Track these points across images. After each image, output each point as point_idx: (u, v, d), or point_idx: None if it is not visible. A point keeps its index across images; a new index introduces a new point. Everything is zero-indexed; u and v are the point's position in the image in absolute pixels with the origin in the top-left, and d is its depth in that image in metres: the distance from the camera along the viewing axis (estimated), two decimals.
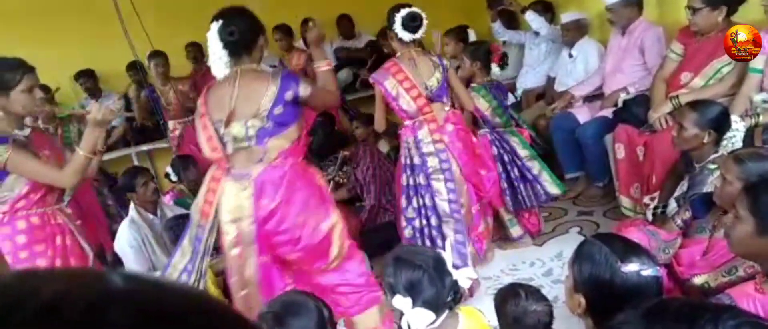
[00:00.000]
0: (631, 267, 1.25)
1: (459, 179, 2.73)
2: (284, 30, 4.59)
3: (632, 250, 1.31)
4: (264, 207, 2.03)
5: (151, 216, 3.15)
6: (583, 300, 1.30)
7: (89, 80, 4.88)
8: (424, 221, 2.74)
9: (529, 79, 4.48)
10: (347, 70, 5.28)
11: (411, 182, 2.76)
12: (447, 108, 2.77)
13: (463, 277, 1.65)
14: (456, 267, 2.69)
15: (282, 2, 4.78)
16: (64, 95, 4.45)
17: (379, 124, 2.90)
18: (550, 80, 4.24)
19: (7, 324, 0.28)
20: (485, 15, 4.72)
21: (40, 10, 4.60)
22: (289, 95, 1.98)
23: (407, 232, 2.80)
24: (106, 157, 4.43)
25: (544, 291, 2.62)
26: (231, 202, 2.05)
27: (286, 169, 2.04)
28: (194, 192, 3.83)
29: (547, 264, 2.96)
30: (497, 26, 4.61)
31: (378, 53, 4.95)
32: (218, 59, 2.00)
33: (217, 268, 2.90)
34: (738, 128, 2.33)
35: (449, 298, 1.61)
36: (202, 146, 2.11)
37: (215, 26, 1.99)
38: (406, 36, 2.64)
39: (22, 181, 2.09)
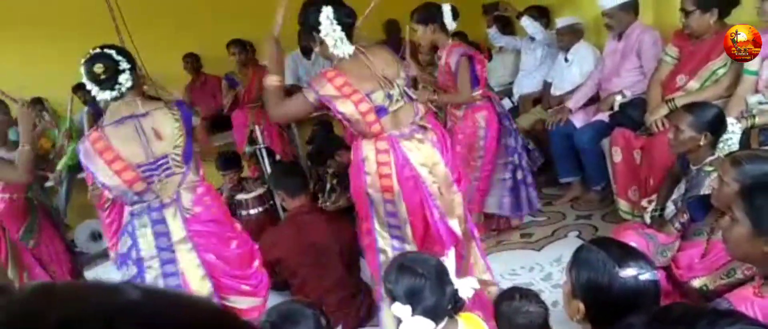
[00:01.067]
0: (628, 272, 1.25)
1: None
2: (240, 45, 4.59)
3: (629, 254, 1.31)
4: (444, 154, 2.22)
5: None
6: (582, 306, 1.30)
7: (88, 93, 4.86)
8: None
9: (525, 85, 4.49)
10: None
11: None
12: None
13: (465, 287, 1.64)
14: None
15: (253, 13, 4.80)
16: (60, 106, 4.46)
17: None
18: (547, 85, 4.25)
19: None
20: (481, 21, 4.74)
21: (40, 23, 4.58)
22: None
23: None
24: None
25: (543, 296, 2.63)
26: (417, 156, 2.16)
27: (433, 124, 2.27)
28: None
29: (545, 269, 2.96)
30: (493, 32, 4.63)
31: None
32: (339, 40, 2.07)
33: None
34: (734, 130, 2.34)
35: (449, 306, 1.61)
36: (354, 122, 2.11)
37: (328, 11, 2.04)
38: (453, 25, 2.96)
39: None
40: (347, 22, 2.08)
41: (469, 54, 3.01)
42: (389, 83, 2.12)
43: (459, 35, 4.82)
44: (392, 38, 5.64)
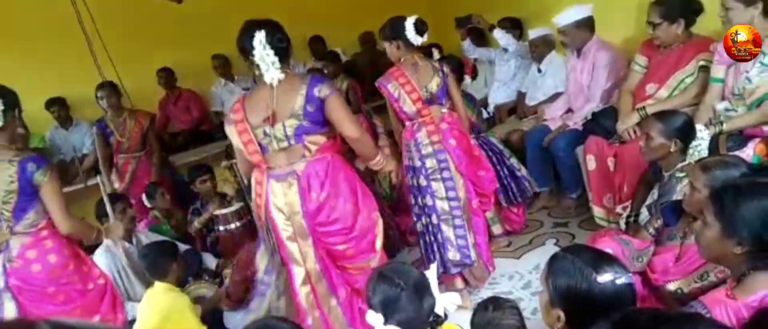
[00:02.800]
0: (605, 277, 1.27)
1: (455, 173, 2.84)
2: (223, 59, 4.59)
3: (604, 259, 1.33)
4: (313, 200, 2.16)
5: (126, 244, 3.09)
6: (562, 314, 1.32)
7: (61, 109, 4.79)
8: (428, 219, 2.86)
9: (500, 95, 4.55)
10: None
11: (414, 183, 2.89)
12: (444, 110, 2.89)
13: (448, 303, 1.64)
14: (463, 263, 2.81)
15: (227, 28, 4.78)
16: (34, 121, 4.35)
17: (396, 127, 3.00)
18: (521, 95, 4.31)
19: None
20: (455, 33, 4.80)
21: (7, 36, 4.47)
22: (316, 92, 2.09)
23: (418, 226, 2.93)
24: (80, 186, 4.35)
25: (522, 304, 2.67)
26: (280, 200, 2.18)
27: (328, 160, 2.18)
28: (167, 217, 3.82)
29: (525, 277, 2.99)
30: (467, 44, 4.69)
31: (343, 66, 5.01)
32: (271, 65, 2.06)
33: (194, 294, 2.86)
34: (703, 136, 2.40)
35: (430, 319, 1.60)
36: (238, 150, 2.22)
37: (260, 35, 2.03)
38: (417, 40, 2.78)
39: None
40: (280, 46, 2.08)
41: (380, 85, 2.86)
42: (272, 123, 2.10)
43: (434, 46, 4.88)
44: (368, 50, 5.67)
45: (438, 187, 2.81)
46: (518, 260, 3.20)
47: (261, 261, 2.37)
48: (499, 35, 4.20)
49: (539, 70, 4.09)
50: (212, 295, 2.92)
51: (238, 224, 3.50)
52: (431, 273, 1.68)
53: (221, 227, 3.54)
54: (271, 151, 2.16)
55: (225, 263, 3.40)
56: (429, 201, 2.82)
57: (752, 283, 1.39)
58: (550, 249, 3.23)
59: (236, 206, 3.55)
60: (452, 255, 2.79)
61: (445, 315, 1.65)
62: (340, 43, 5.58)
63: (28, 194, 2.12)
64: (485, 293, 2.88)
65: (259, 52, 2.04)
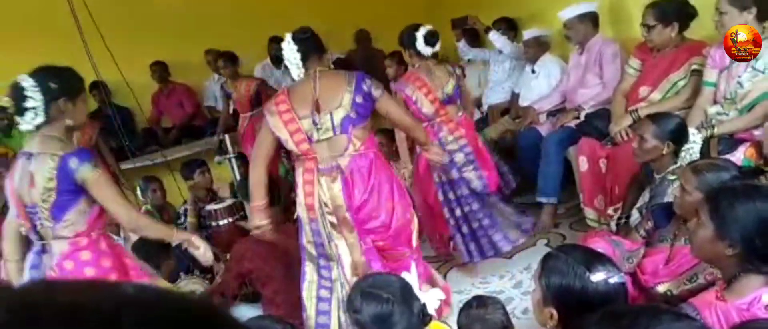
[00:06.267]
0: (598, 276, 1.28)
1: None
2: (229, 57, 4.57)
3: (596, 258, 1.34)
4: (357, 197, 2.22)
5: (114, 237, 3.07)
6: (555, 313, 1.33)
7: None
8: (468, 207, 2.98)
9: (494, 96, 4.57)
10: None
11: (444, 179, 2.98)
12: (460, 113, 3.06)
13: (432, 299, 1.64)
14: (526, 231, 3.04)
15: (249, 24, 4.78)
16: None
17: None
18: (515, 96, 4.33)
19: (29, 325, 0.29)
20: (450, 35, 4.81)
21: (3, 31, 4.41)
22: (365, 87, 2.20)
23: (452, 222, 3.02)
24: None
25: (514, 303, 2.69)
26: (326, 193, 2.20)
27: (371, 158, 2.24)
28: (160, 212, 3.80)
29: (516, 277, 3.00)
30: (462, 45, 4.71)
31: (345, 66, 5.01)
32: (293, 62, 2.19)
33: (185, 290, 2.84)
34: (696, 139, 2.42)
35: (419, 320, 1.60)
36: (284, 141, 2.21)
37: (288, 36, 2.21)
38: (427, 50, 2.94)
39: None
40: (303, 38, 2.21)
41: (397, 90, 2.99)
42: (317, 111, 2.17)
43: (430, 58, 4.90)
44: (363, 48, 5.67)
45: (471, 176, 2.96)
46: (510, 259, 3.22)
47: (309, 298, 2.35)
48: (495, 38, 4.21)
49: (533, 72, 4.11)
50: (203, 291, 2.91)
51: (230, 220, 3.49)
52: (411, 275, 1.69)
53: (212, 224, 3.53)
54: (315, 141, 2.20)
55: (216, 258, 3.39)
56: (465, 191, 2.97)
57: (742, 286, 1.40)
58: (541, 249, 3.24)
59: (229, 202, 3.54)
60: (510, 232, 3.02)
61: (434, 313, 1.65)
62: (335, 40, 5.58)
63: (67, 192, 1.89)
64: (477, 292, 2.89)
65: (286, 50, 2.18)
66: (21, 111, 1.86)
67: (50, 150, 1.87)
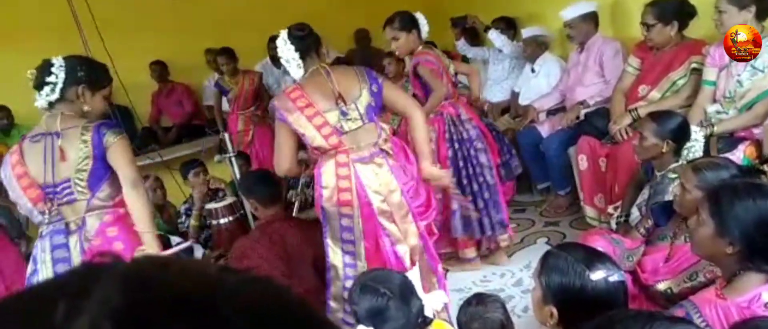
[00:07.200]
0: (598, 274, 1.28)
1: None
2: (229, 53, 4.57)
3: (596, 257, 1.34)
4: (406, 177, 2.23)
5: None
6: (555, 311, 1.33)
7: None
8: (483, 179, 3.00)
9: (494, 94, 4.57)
10: None
11: (459, 155, 2.99)
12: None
13: (434, 301, 1.64)
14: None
15: (248, 23, 4.78)
16: (28, 118, 4.30)
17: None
18: (515, 95, 4.34)
19: (138, 308, 0.30)
20: (449, 33, 4.81)
21: (4, 33, 4.41)
22: (375, 76, 2.23)
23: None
24: None
25: (514, 301, 2.70)
26: (373, 182, 2.15)
27: (398, 143, 2.29)
28: (160, 211, 3.80)
29: (516, 275, 3.01)
30: (461, 44, 4.71)
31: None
32: (292, 60, 2.15)
33: None
34: (697, 138, 2.41)
35: (419, 321, 1.60)
36: (310, 138, 2.15)
37: (283, 34, 2.16)
38: (425, 31, 2.99)
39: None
40: (299, 35, 2.17)
41: (424, 62, 2.97)
42: (344, 102, 2.15)
43: (430, 45, 4.86)
44: (363, 47, 5.67)
45: (480, 149, 3.01)
46: (510, 258, 3.22)
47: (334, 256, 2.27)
48: (495, 37, 4.22)
49: (533, 70, 4.12)
50: None
51: (230, 218, 3.49)
52: (414, 274, 1.68)
53: (213, 222, 3.53)
54: (344, 133, 2.16)
55: (211, 254, 3.39)
56: (478, 169, 3.00)
57: (742, 284, 1.41)
58: (541, 247, 3.25)
59: (229, 200, 3.54)
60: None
61: (433, 316, 1.65)
62: (334, 40, 5.58)
63: (101, 159, 1.98)
64: (476, 291, 2.89)
65: (281, 49, 2.14)
66: (40, 85, 1.95)
67: (80, 124, 1.98)
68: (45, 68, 1.95)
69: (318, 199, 2.24)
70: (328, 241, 2.24)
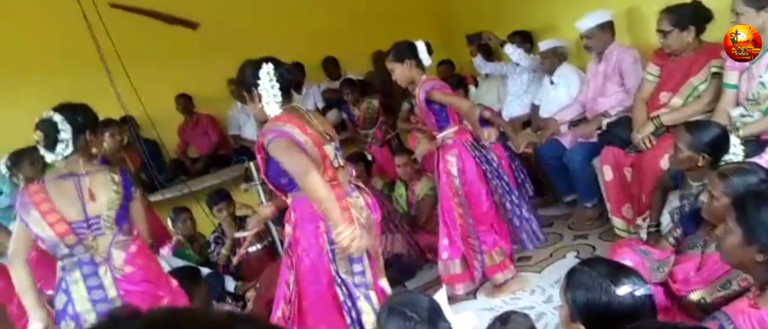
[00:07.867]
0: (624, 289, 1.28)
1: None
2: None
3: (622, 271, 1.34)
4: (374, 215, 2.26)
5: None
6: (582, 328, 1.32)
7: None
8: (510, 196, 3.03)
9: (513, 108, 4.56)
10: (336, 111, 5.35)
11: (488, 177, 2.98)
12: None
13: (463, 324, 1.63)
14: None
15: (268, 50, 4.86)
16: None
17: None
18: (535, 108, 4.33)
19: None
20: (466, 50, 4.84)
21: (27, 67, 4.49)
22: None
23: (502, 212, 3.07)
24: None
25: (545, 319, 2.66)
26: (358, 215, 2.18)
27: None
28: (190, 241, 3.87)
29: (547, 291, 2.97)
30: (478, 60, 4.74)
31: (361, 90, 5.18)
32: (272, 98, 2.10)
33: None
34: (737, 152, 2.29)
35: None
36: (323, 168, 2.11)
37: (267, 68, 2.09)
38: (428, 60, 2.96)
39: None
40: (287, 78, 2.14)
41: (435, 87, 2.92)
42: (332, 138, 2.19)
43: (447, 64, 4.94)
44: (380, 69, 5.73)
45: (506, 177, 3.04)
46: (539, 274, 3.19)
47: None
48: (511, 51, 4.23)
49: (552, 82, 4.11)
50: None
51: (258, 246, 3.54)
52: (441, 296, 1.68)
53: (242, 250, 3.58)
54: (337, 168, 2.19)
55: (244, 285, 3.43)
56: (505, 186, 3.01)
57: None
58: (570, 261, 3.21)
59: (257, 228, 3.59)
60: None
61: None
62: (353, 63, 5.66)
63: (128, 199, 2.20)
64: (506, 308, 2.87)
65: (264, 84, 2.08)
66: (52, 144, 2.06)
67: (101, 169, 2.18)
68: (50, 127, 2.05)
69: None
70: (341, 274, 2.16)
